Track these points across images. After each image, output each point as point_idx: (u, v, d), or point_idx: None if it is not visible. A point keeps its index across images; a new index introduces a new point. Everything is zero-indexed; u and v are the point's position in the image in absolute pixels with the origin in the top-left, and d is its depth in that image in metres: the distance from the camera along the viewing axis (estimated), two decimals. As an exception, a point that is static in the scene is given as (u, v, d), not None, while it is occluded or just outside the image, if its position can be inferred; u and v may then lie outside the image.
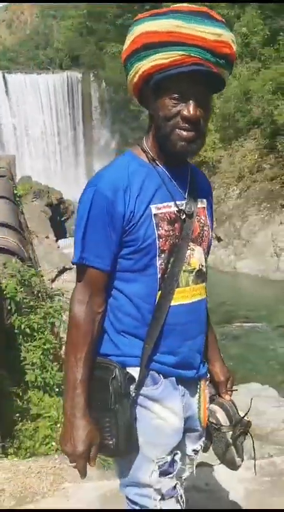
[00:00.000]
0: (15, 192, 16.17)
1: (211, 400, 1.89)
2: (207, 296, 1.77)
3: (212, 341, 1.92)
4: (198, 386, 1.79)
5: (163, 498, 1.67)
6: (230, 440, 1.85)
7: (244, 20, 24.39)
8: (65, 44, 48.70)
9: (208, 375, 1.87)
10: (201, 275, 1.72)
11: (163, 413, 1.66)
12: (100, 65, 39.13)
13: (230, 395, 1.95)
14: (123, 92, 34.81)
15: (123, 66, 1.67)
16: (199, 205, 1.74)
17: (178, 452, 1.71)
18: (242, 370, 9.79)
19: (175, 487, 1.70)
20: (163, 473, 1.67)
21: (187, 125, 1.57)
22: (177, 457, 1.70)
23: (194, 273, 1.69)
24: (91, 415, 1.62)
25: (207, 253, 1.77)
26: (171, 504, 1.69)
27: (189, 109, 1.55)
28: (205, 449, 1.90)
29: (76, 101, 40.15)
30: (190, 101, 1.55)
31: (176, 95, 1.56)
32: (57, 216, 22.50)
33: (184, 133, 1.58)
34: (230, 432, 1.85)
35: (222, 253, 18.63)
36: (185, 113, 1.55)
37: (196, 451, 1.84)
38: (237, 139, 22.39)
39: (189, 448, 1.83)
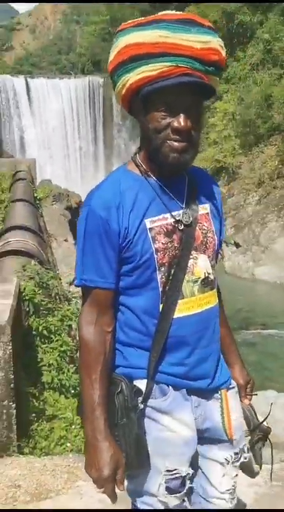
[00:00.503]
0: (35, 195, 16.38)
1: None
2: (218, 302, 1.74)
3: (230, 344, 1.89)
4: (218, 396, 1.73)
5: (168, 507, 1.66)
6: (248, 446, 1.82)
7: (266, 26, 24.34)
8: (87, 49, 49.15)
9: (232, 383, 1.80)
10: (207, 283, 1.68)
11: (172, 425, 1.64)
12: (122, 70, 39.29)
13: (250, 400, 1.91)
14: (144, 97, 34.99)
15: (109, 76, 1.64)
16: (201, 211, 1.70)
17: (190, 472, 1.67)
18: (259, 377, 9.72)
19: (182, 501, 1.68)
20: (171, 491, 1.65)
21: (177, 136, 1.54)
22: (188, 477, 1.67)
23: (199, 282, 1.65)
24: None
25: (213, 259, 1.72)
26: None
27: (179, 121, 1.52)
28: None
29: (97, 105, 40.39)
30: (180, 113, 1.53)
31: (165, 107, 1.53)
32: (76, 219, 22.58)
33: (175, 144, 1.55)
34: (249, 437, 1.82)
35: (240, 259, 18.57)
36: (175, 124, 1.53)
37: (227, 460, 1.75)
38: (257, 145, 22.32)
39: (220, 455, 1.75)
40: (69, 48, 63.81)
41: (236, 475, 1.78)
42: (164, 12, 1.55)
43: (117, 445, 1.59)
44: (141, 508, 1.70)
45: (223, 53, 1.56)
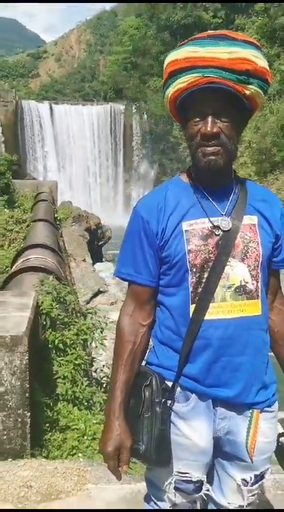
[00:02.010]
0: (56, 215, 16.57)
1: None
2: (260, 314, 1.68)
3: None
4: (248, 414, 1.68)
5: (175, 505, 1.71)
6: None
7: (283, 58, 24.64)
8: (109, 78, 49.97)
9: (271, 407, 1.73)
10: (244, 292, 1.64)
11: (187, 431, 1.65)
12: (143, 98, 39.90)
13: None
14: (163, 124, 35.41)
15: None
16: (246, 222, 1.68)
17: (203, 479, 1.69)
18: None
19: (191, 502, 1.71)
20: (180, 491, 1.68)
21: (206, 142, 1.59)
22: (203, 484, 1.69)
23: (233, 288, 1.63)
24: (128, 418, 1.66)
25: (255, 269, 1.66)
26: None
27: (206, 126, 1.58)
28: None
29: (118, 131, 40.89)
30: (208, 118, 1.58)
31: (196, 114, 1.60)
32: (95, 240, 22.76)
33: (205, 149, 1.60)
34: None
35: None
36: (203, 130, 1.59)
37: (245, 481, 1.71)
38: (273, 172, 22.45)
39: (238, 476, 1.72)
40: (93, 76, 64.86)
41: (254, 495, 1.75)
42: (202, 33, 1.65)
43: (127, 428, 1.65)
44: (152, 497, 1.77)
45: (260, 62, 1.57)
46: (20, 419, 3.32)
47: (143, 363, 1.78)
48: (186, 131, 1.67)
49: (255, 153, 23.36)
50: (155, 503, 1.77)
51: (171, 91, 1.66)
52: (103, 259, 21.95)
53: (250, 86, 1.59)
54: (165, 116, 33.13)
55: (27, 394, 3.33)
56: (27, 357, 3.30)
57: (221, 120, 1.59)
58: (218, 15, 39.32)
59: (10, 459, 3.20)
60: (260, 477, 1.74)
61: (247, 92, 1.59)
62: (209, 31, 1.63)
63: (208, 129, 1.58)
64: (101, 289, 14.45)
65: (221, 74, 1.54)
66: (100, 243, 23.32)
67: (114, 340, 1.75)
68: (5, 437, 3.28)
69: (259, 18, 32.26)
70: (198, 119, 1.61)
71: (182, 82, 1.60)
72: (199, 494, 1.71)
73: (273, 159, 22.36)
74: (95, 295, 14.02)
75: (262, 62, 1.58)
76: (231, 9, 38.43)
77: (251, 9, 35.37)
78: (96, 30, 75.45)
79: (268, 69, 1.63)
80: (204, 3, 39.14)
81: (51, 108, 39.58)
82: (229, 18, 38.05)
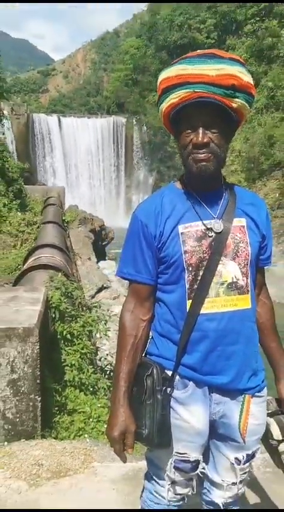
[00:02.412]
0: (64, 218, 16.54)
1: (272, 415, 1.81)
2: (250, 308, 1.68)
3: (279, 359, 1.83)
4: (241, 399, 1.69)
5: (174, 482, 1.71)
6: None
7: (270, 75, 24.67)
8: (112, 93, 49.96)
9: (261, 393, 1.74)
10: (235, 287, 1.64)
11: (186, 415, 1.65)
12: (142, 111, 39.94)
13: None
14: (160, 135, 35.42)
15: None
16: (236, 223, 1.68)
17: (199, 459, 1.70)
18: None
19: (189, 479, 1.71)
20: (179, 470, 1.69)
21: (197, 150, 1.59)
22: (199, 463, 1.70)
23: (226, 285, 1.63)
24: (131, 405, 1.66)
25: (245, 267, 1.67)
26: (179, 489, 1.72)
27: (198, 137, 1.58)
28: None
29: (120, 141, 40.94)
30: (199, 129, 1.58)
31: (188, 126, 1.60)
32: (99, 240, 22.71)
33: (196, 155, 1.60)
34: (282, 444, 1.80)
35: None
36: (194, 140, 1.59)
37: (238, 460, 1.72)
38: (260, 179, 22.47)
39: (231, 455, 1.73)
40: (97, 91, 64.84)
41: (245, 472, 1.77)
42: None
43: (131, 414, 1.65)
44: (151, 474, 1.78)
45: (245, 77, 1.58)
46: (31, 403, 3.32)
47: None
48: (178, 142, 1.67)
49: (244, 162, 23.40)
50: (155, 481, 1.77)
51: (164, 106, 1.66)
52: (107, 258, 21.91)
53: (237, 100, 1.59)
54: (162, 128, 33.08)
55: (38, 381, 3.33)
56: (38, 347, 3.30)
57: (211, 131, 1.59)
58: (211, 36, 39.37)
59: (23, 439, 3.20)
60: (251, 456, 1.75)
61: (234, 105, 1.60)
62: (199, 50, 1.63)
63: (199, 139, 1.58)
64: (105, 285, 14.41)
65: (210, 89, 1.55)
66: (103, 243, 23.26)
67: (117, 333, 1.75)
68: (18, 419, 3.28)
69: (248, 39, 32.31)
70: (189, 131, 1.61)
71: (174, 97, 1.60)
72: (196, 472, 1.71)
73: (261, 167, 22.40)
74: (99, 290, 13.97)
75: (246, 77, 1.59)
76: (223, 31, 38.50)
77: (241, 30, 35.46)
78: (100, 49, 75.43)
79: (252, 83, 1.63)
80: (198, 26, 39.16)
81: (59, 120, 39.62)
82: (221, 38, 38.08)
